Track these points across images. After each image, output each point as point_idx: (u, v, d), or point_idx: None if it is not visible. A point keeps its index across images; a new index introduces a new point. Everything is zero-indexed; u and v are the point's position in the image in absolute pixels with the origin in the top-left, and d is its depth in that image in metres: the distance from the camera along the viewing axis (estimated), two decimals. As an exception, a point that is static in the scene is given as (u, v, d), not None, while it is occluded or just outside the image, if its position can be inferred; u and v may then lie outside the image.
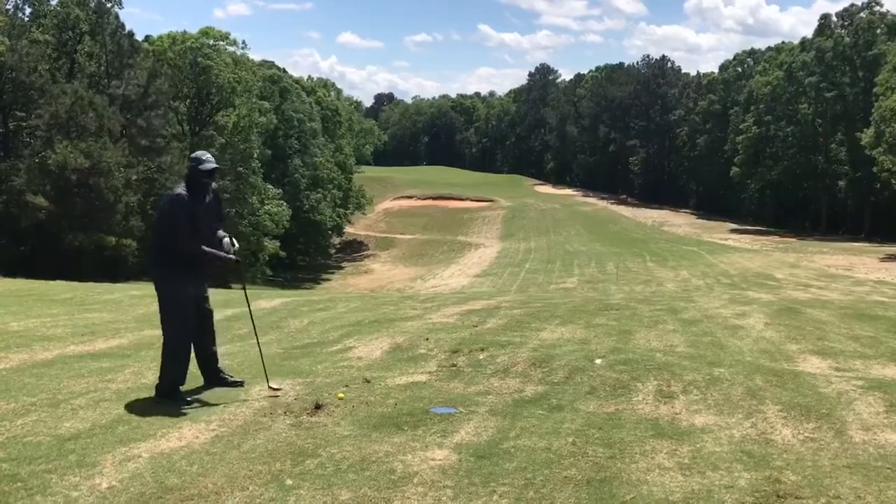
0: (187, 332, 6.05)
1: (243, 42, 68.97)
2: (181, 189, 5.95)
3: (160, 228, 6.10)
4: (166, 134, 41.85)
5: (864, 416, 5.36)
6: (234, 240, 6.28)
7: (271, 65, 72.27)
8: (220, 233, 6.18)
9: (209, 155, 6.14)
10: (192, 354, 6.22)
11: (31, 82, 35.94)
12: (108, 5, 43.55)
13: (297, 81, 76.96)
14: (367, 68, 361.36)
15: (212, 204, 6.09)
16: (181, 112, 50.90)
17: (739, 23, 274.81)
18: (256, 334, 6.90)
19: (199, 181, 6.00)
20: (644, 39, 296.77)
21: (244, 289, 7.07)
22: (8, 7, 40.26)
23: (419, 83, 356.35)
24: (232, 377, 6.42)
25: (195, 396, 6.02)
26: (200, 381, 6.33)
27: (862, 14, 76.48)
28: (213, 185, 6.20)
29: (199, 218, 5.89)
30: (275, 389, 6.07)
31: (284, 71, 73.65)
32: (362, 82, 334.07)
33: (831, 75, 76.15)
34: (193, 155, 6.16)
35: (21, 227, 33.46)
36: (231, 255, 6.14)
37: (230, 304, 11.11)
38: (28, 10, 43.96)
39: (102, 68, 41.94)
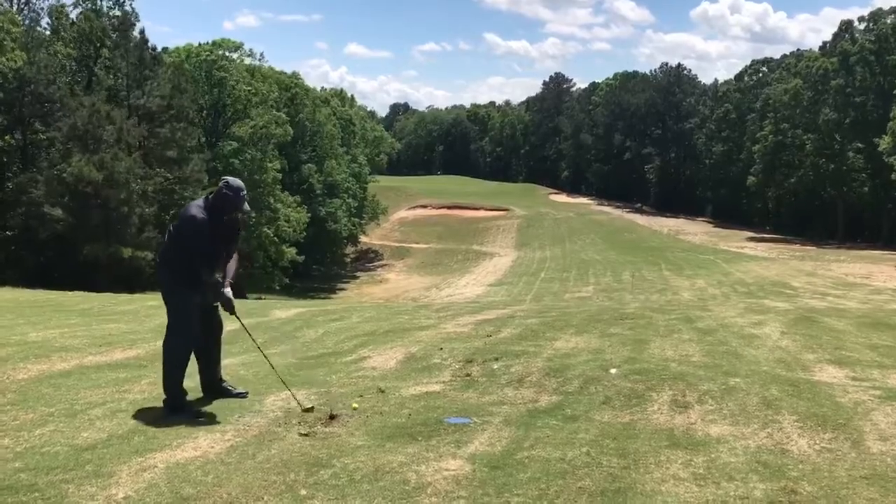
0: (190, 342, 5.99)
1: (261, 54, 69.63)
2: (202, 212, 5.77)
3: (177, 243, 5.92)
4: (187, 146, 42.05)
5: (882, 427, 5.31)
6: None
7: (291, 75, 72.67)
8: (229, 279, 6.03)
9: (245, 192, 5.89)
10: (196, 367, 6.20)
11: (49, 94, 36.28)
12: (130, 18, 44.07)
13: (316, 97, 77.43)
14: (379, 78, 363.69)
15: (228, 223, 5.93)
16: (197, 123, 51.35)
17: (746, 30, 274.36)
18: (269, 360, 6.62)
19: (227, 209, 5.82)
20: (652, 47, 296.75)
21: (245, 328, 6.66)
22: (25, 21, 40.75)
23: (430, 93, 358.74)
24: (235, 389, 6.39)
25: (206, 409, 5.99)
26: (201, 395, 6.28)
27: (887, 19, 75.58)
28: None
29: (214, 239, 5.82)
30: (305, 410, 5.80)
31: (298, 78, 74.04)
32: (374, 92, 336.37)
33: (852, 80, 75.54)
34: (235, 184, 5.83)
35: (40, 238, 33.75)
36: (232, 300, 5.98)
37: (245, 315, 11.12)
38: (45, 21, 44.56)
39: (122, 81, 42.31)
